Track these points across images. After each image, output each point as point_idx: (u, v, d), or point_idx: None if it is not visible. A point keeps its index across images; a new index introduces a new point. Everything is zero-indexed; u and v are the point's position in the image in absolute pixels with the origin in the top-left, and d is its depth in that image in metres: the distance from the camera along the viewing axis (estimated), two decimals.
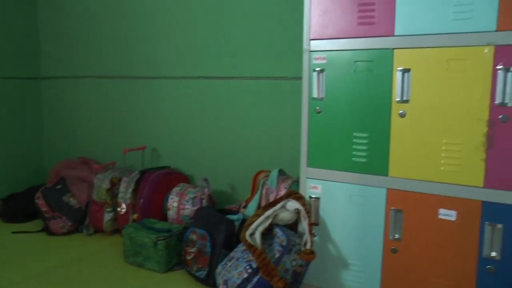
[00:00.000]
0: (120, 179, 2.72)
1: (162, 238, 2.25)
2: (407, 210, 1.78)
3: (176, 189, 2.58)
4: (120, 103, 3.12)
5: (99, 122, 3.23)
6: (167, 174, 2.72)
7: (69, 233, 2.77)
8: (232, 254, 2.01)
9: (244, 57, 2.62)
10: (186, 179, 2.81)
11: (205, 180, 2.54)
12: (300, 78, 1.91)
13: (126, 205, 2.63)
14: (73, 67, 3.29)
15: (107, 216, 2.68)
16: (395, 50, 1.74)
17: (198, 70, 2.79)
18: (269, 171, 2.35)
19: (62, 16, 3.28)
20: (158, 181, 2.63)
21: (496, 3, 1.56)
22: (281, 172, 2.34)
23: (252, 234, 1.88)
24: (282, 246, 1.83)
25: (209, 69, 2.75)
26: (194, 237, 2.20)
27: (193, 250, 2.20)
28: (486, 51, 1.59)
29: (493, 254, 1.64)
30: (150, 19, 2.92)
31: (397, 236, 1.80)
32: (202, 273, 2.13)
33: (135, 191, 2.63)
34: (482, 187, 1.64)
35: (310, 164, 1.95)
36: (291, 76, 2.46)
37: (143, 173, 2.68)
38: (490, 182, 1.63)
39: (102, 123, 3.22)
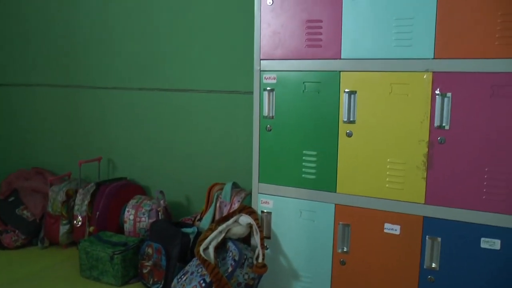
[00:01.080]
0: (75, 191, 2.71)
1: (118, 252, 2.27)
2: (354, 224, 1.86)
3: (132, 202, 2.60)
4: (75, 112, 3.10)
5: (54, 131, 3.20)
6: (124, 186, 2.73)
7: (22, 246, 2.73)
8: (187, 268, 2.05)
9: (199, 70, 2.66)
10: (142, 190, 2.83)
11: (161, 192, 2.57)
12: (253, 92, 1.97)
13: (82, 218, 2.62)
14: (26, 75, 3.24)
15: (63, 229, 2.67)
16: (341, 73, 1.82)
17: (154, 81, 2.80)
18: (224, 184, 2.40)
19: (15, 23, 3.22)
20: (114, 193, 2.64)
21: (433, 34, 1.66)
22: (235, 185, 2.39)
23: (205, 249, 1.93)
24: (234, 260, 1.89)
25: (165, 81, 2.77)
26: (150, 250, 2.23)
27: (149, 263, 2.23)
28: (425, 77, 1.69)
29: (433, 265, 1.75)
30: (106, 29, 2.92)
31: (345, 249, 1.89)
32: (158, 287, 2.17)
33: (91, 204, 2.63)
34: (423, 204, 1.75)
35: (262, 180, 2.01)
36: (244, 91, 2.51)
37: (99, 185, 2.68)
38: (430, 199, 1.74)
39: (56, 132, 3.19)
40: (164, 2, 2.71)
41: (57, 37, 3.09)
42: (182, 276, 2.02)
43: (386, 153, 1.78)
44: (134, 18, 2.82)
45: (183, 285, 1.96)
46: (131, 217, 2.54)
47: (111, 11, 2.88)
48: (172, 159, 2.81)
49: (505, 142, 1.61)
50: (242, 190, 2.39)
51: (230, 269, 1.88)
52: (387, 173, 1.79)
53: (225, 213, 2.24)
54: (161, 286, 2.16)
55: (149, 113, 2.85)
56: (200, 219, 2.37)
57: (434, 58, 1.67)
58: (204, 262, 1.87)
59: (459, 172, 1.68)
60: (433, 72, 1.68)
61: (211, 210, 2.32)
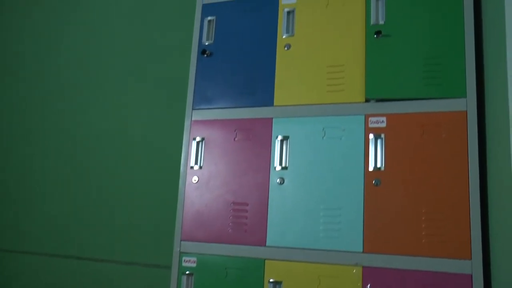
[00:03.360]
0: None
1: None
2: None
3: None
4: None
5: None
6: None
7: None
8: None
9: (119, 240, 2.47)
10: None
11: None
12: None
13: None
14: None
15: None
16: (266, 261, 1.70)
17: (68, 248, 2.57)
18: None
19: None
20: None
21: (361, 227, 1.60)
22: None
23: None
24: None
25: (80, 249, 2.55)
26: None
27: None
28: (354, 271, 1.59)
29: None
30: (26, 188, 2.74)
31: None
32: None
33: None
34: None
35: None
36: (164, 265, 2.32)
37: None
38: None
39: None
40: (94, 170, 2.61)
41: None
42: None
43: None
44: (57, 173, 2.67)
45: None
46: None
47: (36, 168, 2.74)
48: None
49: None
50: None
51: None
52: None
53: None
54: None
55: (62, 284, 2.57)
56: None
57: (363, 252, 1.59)
58: None
59: None
60: (363, 266, 1.58)
61: None
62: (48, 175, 2.72)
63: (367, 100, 1.69)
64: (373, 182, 1.63)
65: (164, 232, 2.36)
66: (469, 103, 1.58)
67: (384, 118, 1.66)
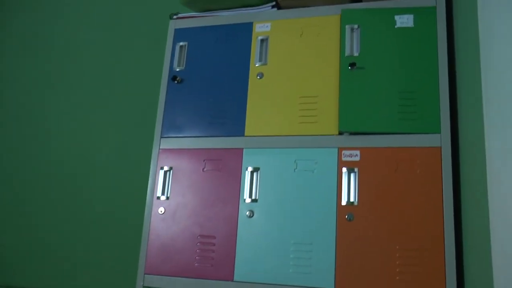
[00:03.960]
0: None
1: None
2: None
3: None
4: None
5: None
6: None
7: None
8: None
9: (78, 278, 2.36)
10: None
11: None
12: None
13: None
14: None
15: None
16: None
17: None
18: None
19: None
20: None
21: (333, 264, 1.55)
22: None
23: None
24: None
25: None
26: None
27: None
28: None
29: None
30: None
31: None
32: None
33: None
34: None
35: None
36: None
37: None
38: None
39: None
40: (56, 196, 2.49)
41: None
42: None
43: None
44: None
45: None
46: None
47: None
48: None
49: None
50: None
51: None
52: None
53: None
54: None
55: None
56: None
57: None
58: None
59: None
60: None
61: None
62: (7, 201, 2.59)
63: (340, 133, 1.66)
64: (346, 216, 1.58)
65: (128, 264, 2.26)
66: (443, 139, 1.55)
67: (358, 152, 1.62)
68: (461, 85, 1.55)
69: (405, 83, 1.63)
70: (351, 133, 1.65)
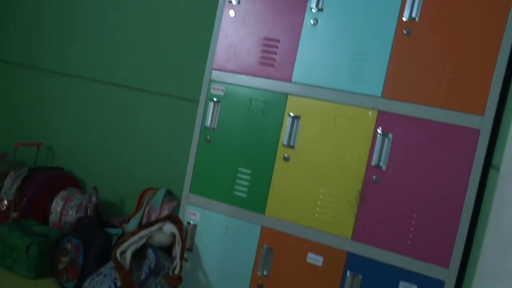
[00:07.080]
0: (7, 173, 2.59)
1: (36, 243, 2.16)
2: (278, 249, 1.83)
3: (63, 193, 2.50)
4: (18, 94, 2.99)
5: None
6: (58, 175, 2.63)
7: None
8: (101, 269, 1.96)
9: (154, 71, 2.61)
10: (77, 184, 2.73)
11: (94, 188, 2.47)
12: None
13: (8, 202, 2.50)
14: None
15: None
16: (289, 96, 1.80)
17: (107, 75, 2.73)
18: (157, 190, 2.33)
19: None
20: (46, 181, 2.53)
21: (384, 73, 1.67)
22: (169, 193, 2.33)
23: (123, 252, 1.86)
24: (150, 268, 1.82)
25: (118, 76, 2.70)
26: (69, 246, 2.13)
27: (65, 259, 2.13)
28: (370, 113, 1.68)
29: None
30: (68, 14, 2.84)
31: (265, 272, 1.84)
32: (70, 285, 2.07)
33: (20, 189, 2.51)
34: (350, 239, 1.72)
35: (193, 190, 1.96)
36: (195, 99, 2.46)
37: (32, 171, 2.57)
38: (357, 235, 1.72)
39: None
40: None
41: (17, 14, 3.00)
42: (95, 277, 1.93)
43: (320, 183, 1.76)
44: (100, 7, 2.76)
45: (94, 286, 1.87)
46: (58, 208, 2.44)
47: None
48: (112, 156, 2.72)
49: (434, 192, 1.61)
50: (174, 199, 2.33)
51: (143, 277, 1.81)
52: (319, 203, 1.76)
53: (153, 219, 2.17)
54: (73, 285, 2.06)
55: (97, 107, 2.77)
56: (127, 222, 2.29)
57: (381, 97, 1.67)
58: (118, 265, 1.80)
59: (389, 213, 1.67)
60: (379, 110, 1.67)
61: (139, 214, 2.25)
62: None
63: None
64: (404, 31, 1.65)
65: (199, 60, 2.45)
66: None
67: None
68: None
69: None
70: None
